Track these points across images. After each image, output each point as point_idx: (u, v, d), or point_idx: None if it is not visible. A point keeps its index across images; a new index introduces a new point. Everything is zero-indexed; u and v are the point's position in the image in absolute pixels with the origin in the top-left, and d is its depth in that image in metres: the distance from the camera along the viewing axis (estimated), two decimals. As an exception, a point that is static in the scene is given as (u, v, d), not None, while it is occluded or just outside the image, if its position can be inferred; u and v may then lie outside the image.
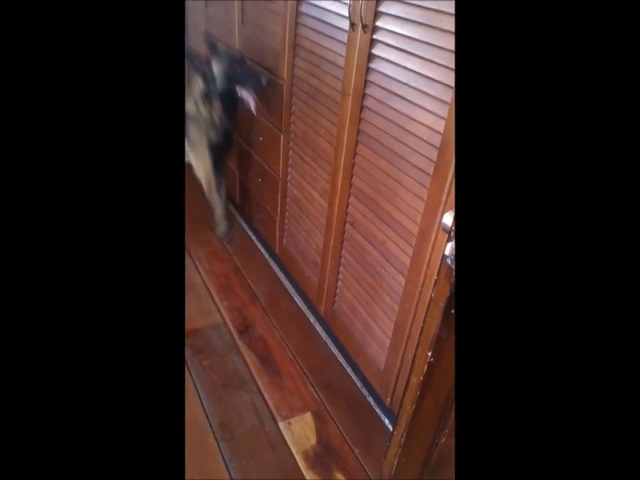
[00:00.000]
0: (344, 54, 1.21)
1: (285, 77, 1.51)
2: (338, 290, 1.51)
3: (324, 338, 1.70)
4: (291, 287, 1.90)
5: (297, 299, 1.85)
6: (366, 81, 1.15)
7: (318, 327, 1.74)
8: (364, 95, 1.17)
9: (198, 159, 1.87)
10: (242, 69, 1.63)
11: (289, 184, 1.68)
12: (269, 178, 1.81)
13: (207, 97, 1.71)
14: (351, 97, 1.21)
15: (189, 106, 1.75)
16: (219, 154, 1.89)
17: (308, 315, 1.78)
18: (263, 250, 2.11)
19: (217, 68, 1.64)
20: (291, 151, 1.61)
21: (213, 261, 2.02)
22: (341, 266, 1.45)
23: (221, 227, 2.10)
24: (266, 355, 1.62)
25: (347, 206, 1.34)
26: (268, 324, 1.74)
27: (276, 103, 1.61)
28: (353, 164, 1.27)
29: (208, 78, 1.66)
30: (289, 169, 1.65)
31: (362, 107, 1.18)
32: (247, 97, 1.63)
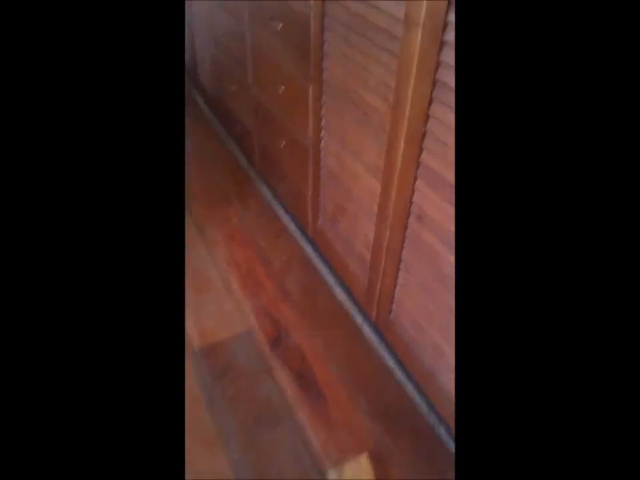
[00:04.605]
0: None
1: (312, 2, 1.05)
2: (396, 297, 1.13)
3: (375, 346, 1.35)
4: (330, 276, 1.53)
5: (339, 294, 1.48)
6: (449, 1, 0.70)
7: (365, 330, 1.38)
8: (446, 24, 0.72)
9: None
10: None
11: (322, 152, 1.26)
12: (295, 142, 1.39)
13: None
14: (421, 29, 0.76)
15: None
16: None
17: (354, 315, 1.43)
18: (292, 226, 1.72)
19: None
20: (323, 109, 1.17)
21: (233, 246, 1.65)
22: (402, 270, 1.07)
23: None
24: (305, 372, 1.28)
25: (412, 192, 0.93)
26: (304, 328, 1.39)
27: (300, 39, 1.16)
28: (424, 133, 0.84)
29: None
30: (322, 132, 1.22)
31: (441, 44, 0.74)
32: None
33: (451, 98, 0.75)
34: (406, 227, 0.99)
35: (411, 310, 1.08)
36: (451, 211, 0.84)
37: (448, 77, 0.75)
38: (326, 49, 1.07)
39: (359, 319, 1.40)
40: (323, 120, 1.19)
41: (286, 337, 1.37)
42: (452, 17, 0.70)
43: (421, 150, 0.87)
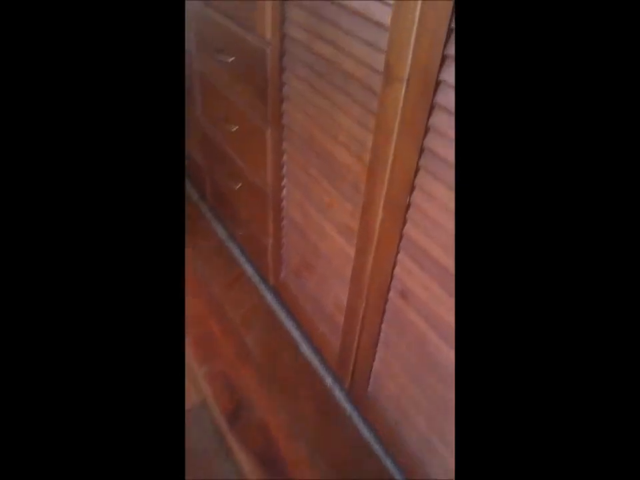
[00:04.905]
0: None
1: (269, 37, 0.90)
2: (374, 371, 0.99)
3: (348, 414, 1.20)
4: (295, 331, 1.37)
5: (306, 351, 1.33)
6: (444, 57, 0.56)
7: (337, 396, 1.23)
8: (438, 83, 0.58)
9: None
10: None
11: (284, 201, 1.10)
12: (252, 186, 1.22)
13: None
14: (405, 85, 0.62)
15: None
16: None
17: (323, 377, 1.27)
18: (251, 271, 1.55)
19: None
20: (285, 155, 1.02)
21: (185, 294, 1.46)
22: (381, 344, 0.93)
23: None
24: (270, 455, 1.12)
25: (394, 265, 0.79)
26: (267, 396, 1.23)
27: (255, 76, 1.00)
28: (408, 204, 0.70)
29: None
30: (284, 180, 1.07)
31: (432, 107, 0.60)
32: None
33: (443, 171, 0.62)
34: (386, 301, 0.85)
35: (393, 391, 0.94)
36: (441, 294, 0.71)
37: (439, 146, 0.61)
38: (286, 91, 0.92)
39: (329, 381, 1.25)
40: (285, 167, 1.04)
41: (246, 408, 1.20)
42: (446, 76, 0.57)
43: (404, 221, 0.73)
